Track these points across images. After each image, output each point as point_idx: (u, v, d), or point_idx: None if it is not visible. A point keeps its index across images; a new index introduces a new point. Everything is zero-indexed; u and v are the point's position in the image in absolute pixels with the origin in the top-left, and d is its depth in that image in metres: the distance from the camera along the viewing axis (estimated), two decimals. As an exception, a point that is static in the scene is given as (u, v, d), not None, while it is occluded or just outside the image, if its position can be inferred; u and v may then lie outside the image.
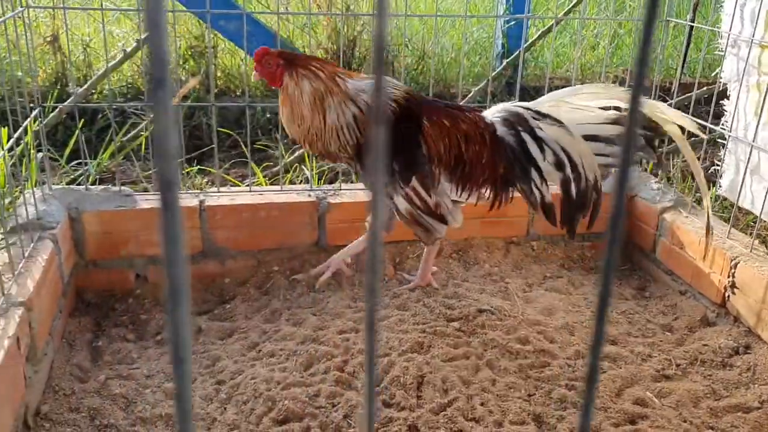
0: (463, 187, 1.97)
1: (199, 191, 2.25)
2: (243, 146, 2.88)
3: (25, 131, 2.03)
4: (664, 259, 2.29)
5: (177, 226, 0.33)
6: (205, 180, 2.65)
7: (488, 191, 2.00)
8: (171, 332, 0.35)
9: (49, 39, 3.28)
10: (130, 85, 3.37)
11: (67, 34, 2.21)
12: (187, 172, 2.56)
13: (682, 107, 2.63)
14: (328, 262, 2.17)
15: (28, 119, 2.00)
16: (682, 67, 3.29)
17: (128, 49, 2.54)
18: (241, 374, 1.76)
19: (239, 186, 2.48)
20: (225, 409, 1.65)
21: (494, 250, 2.39)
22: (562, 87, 3.61)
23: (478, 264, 2.33)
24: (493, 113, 2.00)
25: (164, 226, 0.32)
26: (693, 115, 2.27)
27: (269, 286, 2.18)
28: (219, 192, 2.25)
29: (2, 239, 1.79)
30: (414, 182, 1.95)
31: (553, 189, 1.97)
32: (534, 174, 1.94)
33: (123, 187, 2.20)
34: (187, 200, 2.17)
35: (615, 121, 1.90)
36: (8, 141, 1.83)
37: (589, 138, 1.91)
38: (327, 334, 1.92)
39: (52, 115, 2.65)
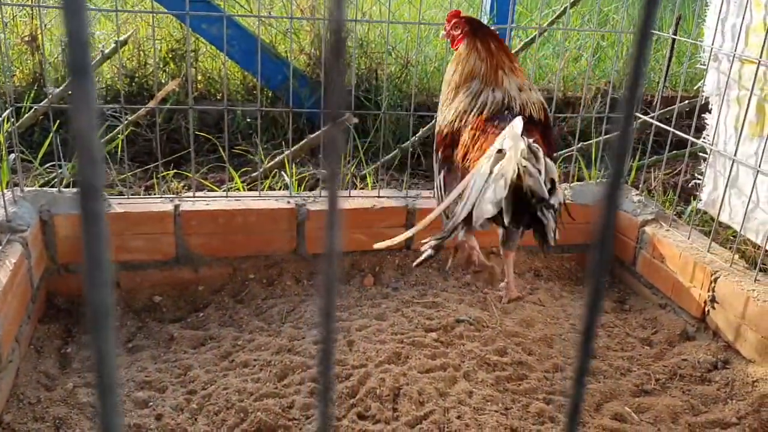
0: None
1: (174, 196, 2.21)
2: (221, 150, 2.85)
3: (-3, 131, 1.98)
4: (645, 272, 2.28)
5: (101, 240, 0.29)
6: (182, 185, 2.60)
7: None
8: (95, 359, 0.31)
9: (26, 38, 3.22)
10: (109, 87, 3.32)
11: (42, 33, 2.16)
12: (163, 176, 2.51)
13: (664, 120, 2.63)
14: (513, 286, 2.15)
15: (1, 118, 1.95)
16: (665, 80, 3.31)
17: (106, 50, 2.50)
18: (213, 384, 1.72)
19: (216, 191, 2.44)
20: (196, 419, 1.61)
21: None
22: (546, 98, 3.63)
23: (457, 274, 2.31)
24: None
25: (86, 240, 0.29)
26: (675, 128, 2.27)
27: (244, 295, 2.14)
28: (195, 197, 2.21)
29: (-32, 242, 1.74)
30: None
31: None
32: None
33: (97, 191, 2.15)
34: (162, 205, 2.13)
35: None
36: (-23, 141, 1.78)
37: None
38: (303, 344, 1.88)
39: (27, 115, 2.59)
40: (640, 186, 2.54)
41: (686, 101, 2.85)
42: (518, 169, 1.60)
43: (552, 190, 1.63)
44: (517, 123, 1.72)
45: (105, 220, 0.29)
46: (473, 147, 1.88)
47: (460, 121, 1.95)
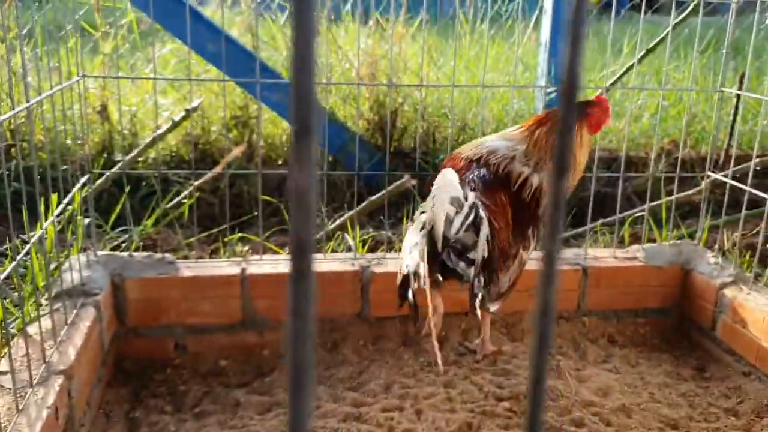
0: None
1: (241, 259, 2.22)
2: (285, 213, 2.87)
3: (73, 197, 2.04)
4: (725, 337, 2.17)
5: (309, 295, 0.28)
6: (246, 248, 2.62)
7: None
8: (290, 418, 0.29)
9: (98, 109, 3.36)
10: (173, 154, 3.42)
11: (119, 102, 2.25)
12: (228, 241, 2.54)
13: (735, 179, 2.55)
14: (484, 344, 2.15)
15: (77, 185, 2.01)
16: (730, 138, 3.23)
17: (176, 118, 2.58)
18: (281, 452, 1.68)
19: (281, 254, 2.45)
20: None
21: (542, 324, 2.30)
22: (606, 159, 3.58)
23: (527, 340, 2.24)
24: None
25: (294, 294, 0.28)
26: (751, 186, 2.19)
27: (310, 359, 2.11)
28: (261, 260, 2.22)
29: (47, 305, 1.77)
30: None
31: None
32: None
33: (166, 254, 2.18)
34: (229, 268, 2.14)
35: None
36: (58, 206, 1.83)
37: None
38: (370, 411, 1.83)
39: (98, 182, 2.68)
40: (715, 248, 2.45)
41: (758, 158, 2.77)
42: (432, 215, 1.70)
43: (474, 245, 1.72)
44: (449, 172, 1.79)
45: (314, 275, 0.28)
46: None
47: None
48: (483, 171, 1.96)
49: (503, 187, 1.95)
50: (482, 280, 1.76)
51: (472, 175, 1.94)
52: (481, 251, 1.73)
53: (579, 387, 1.98)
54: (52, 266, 1.96)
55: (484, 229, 1.74)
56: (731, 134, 2.93)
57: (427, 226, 1.71)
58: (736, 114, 2.59)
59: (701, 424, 1.87)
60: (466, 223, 1.71)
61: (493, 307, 1.91)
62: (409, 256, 1.76)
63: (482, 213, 1.76)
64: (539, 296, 0.33)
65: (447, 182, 1.74)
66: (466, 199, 1.74)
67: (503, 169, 1.97)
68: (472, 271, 1.73)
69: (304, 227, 0.28)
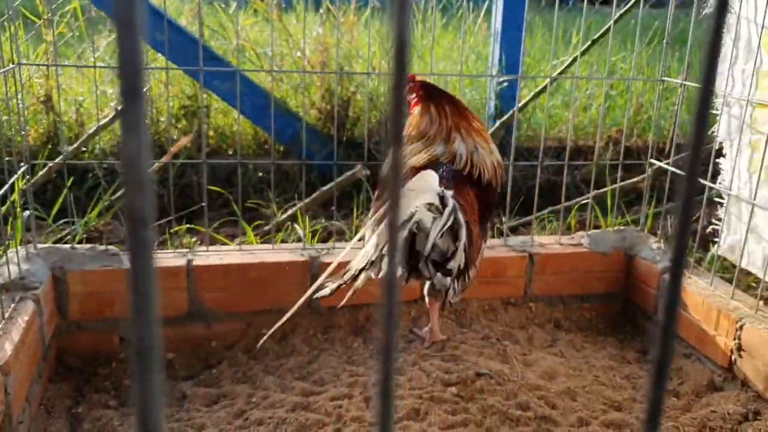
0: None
1: (187, 250, 2.19)
2: (234, 204, 2.84)
3: (12, 189, 1.98)
4: (667, 320, 2.22)
5: (150, 272, 0.27)
6: (194, 239, 2.59)
7: None
8: (138, 405, 0.29)
9: (42, 99, 3.27)
10: (119, 144, 3.34)
11: (59, 92, 2.19)
12: (176, 231, 2.50)
13: (678, 168, 2.61)
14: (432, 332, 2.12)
15: (15, 176, 1.96)
16: (674, 127, 3.31)
17: (120, 108, 2.52)
18: (228, 444, 1.66)
19: (230, 245, 2.43)
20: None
21: (491, 311, 2.33)
22: (555, 147, 3.63)
23: (475, 326, 2.26)
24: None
25: (134, 273, 0.27)
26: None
27: (258, 350, 2.10)
28: (208, 251, 2.19)
29: (-20, 300, 1.72)
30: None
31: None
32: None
33: (110, 247, 2.14)
34: (175, 259, 2.11)
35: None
36: (-8, 198, 1.78)
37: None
38: (318, 400, 1.83)
39: (41, 173, 2.61)
40: (659, 233, 2.51)
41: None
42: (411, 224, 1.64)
43: (452, 255, 1.68)
44: (429, 174, 1.77)
45: (153, 251, 0.27)
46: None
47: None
48: (448, 165, 1.94)
49: (468, 180, 1.95)
50: (456, 286, 1.73)
51: (441, 171, 1.90)
52: (458, 260, 1.68)
53: (525, 371, 2.01)
54: (-11, 260, 1.91)
55: (463, 237, 1.68)
56: (675, 123, 2.99)
57: (410, 228, 1.64)
58: (680, 103, 2.64)
59: (643, 405, 1.91)
60: (444, 230, 1.64)
61: (456, 299, 1.88)
62: (371, 254, 1.66)
63: (461, 217, 1.69)
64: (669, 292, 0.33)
65: (424, 186, 1.71)
66: (443, 200, 1.69)
67: (463, 164, 1.96)
68: (448, 280, 1.68)
69: (137, 196, 0.27)
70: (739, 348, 1.93)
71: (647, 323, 2.33)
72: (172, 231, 2.33)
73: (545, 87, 2.84)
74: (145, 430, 0.30)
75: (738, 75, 2.15)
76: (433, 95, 2.03)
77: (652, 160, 2.47)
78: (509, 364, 2.04)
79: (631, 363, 2.16)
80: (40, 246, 2.08)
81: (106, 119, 2.53)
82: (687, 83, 2.38)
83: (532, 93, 3.07)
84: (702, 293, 2.09)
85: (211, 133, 3.49)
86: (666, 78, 2.48)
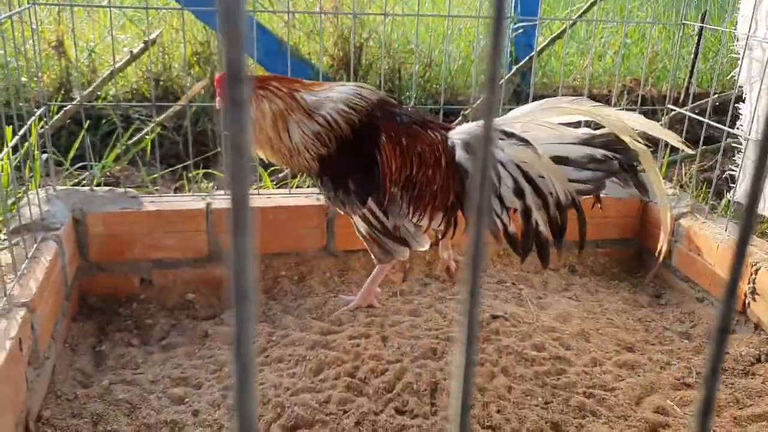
0: (414, 210, 1.83)
1: (205, 194, 2.21)
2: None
3: (29, 131, 1.99)
4: (681, 265, 2.24)
5: (248, 224, 0.29)
6: (211, 185, 2.60)
7: (441, 218, 1.85)
8: (235, 336, 0.30)
9: (54, 44, 3.24)
10: (134, 91, 3.34)
11: (74, 35, 2.17)
12: (193, 177, 2.51)
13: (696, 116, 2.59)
14: (360, 295, 2.05)
15: (33, 117, 1.96)
16: (691, 74, 3.27)
17: (135, 50, 2.51)
18: (249, 380, 1.70)
19: (246, 190, 2.44)
20: (233, 415, 1.60)
21: (506, 255, 2.34)
22: (571, 96, 3.59)
23: (491, 270, 2.28)
24: (458, 133, 1.83)
25: (235, 222, 0.28)
26: (706, 124, 2.23)
27: (276, 291, 2.13)
28: (226, 194, 2.20)
29: (5, 240, 1.75)
30: (370, 203, 1.82)
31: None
32: (494, 202, 1.75)
33: (129, 189, 2.15)
34: (194, 203, 2.12)
35: (587, 142, 1.72)
36: (13, 139, 1.79)
37: (559, 161, 1.70)
38: (337, 339, 1.86)
39: (56, 117, 2.61)
40: (674, 180, 2.50)
41: (716, 95, 2.81)
42: None
43: None
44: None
45: (250, 206, 0.28)
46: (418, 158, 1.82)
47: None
48: (399, 110, 1.88)
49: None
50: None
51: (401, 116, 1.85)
52: None
53: (540, 313, 2.03)
54: (10, 201, 1.93)
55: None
56: (692, 71, 2.96)
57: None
58: (698, 48, 2.61)
59: (656, 347, 1.94)
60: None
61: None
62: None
63: None
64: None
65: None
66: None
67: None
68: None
69: (239, 162, 0.28)
70: (753, 291, 1.95)
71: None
72: (189, 175, 2.34)
73: (563, 31, 2.80)
74: (239, 360, 0.32)
75: (762, 17, 2.11)
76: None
77: (670, 106, 2.45)
78: (524, 307, 2.07)
79: (644, 306, 2.18)
80: (59, 188, 2.10)
81: (122, 62, 2.51)
82: (705, 25, 2.34)
83: (549, 38, 3.02)
84: (716, 238, 2.09)
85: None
86: (686, 22, 2.44)
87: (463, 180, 1.79)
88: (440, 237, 1.95)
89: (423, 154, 1.81)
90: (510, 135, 1.72)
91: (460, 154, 1.80)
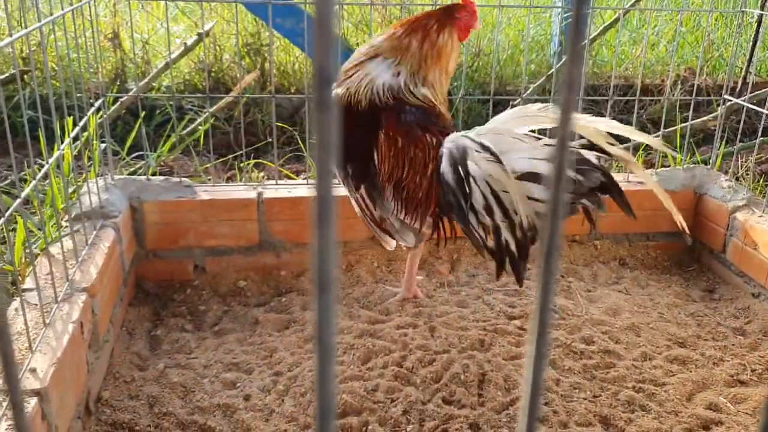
0: (402, 210, 1.81)
1: (257, 183, 2.25)
2: (300, 141, 2.88)
3: (88, 122, 2.05)
4: (736, 260, 2.19)
5: (331, 215, 0.30)
6: (261, 175, 2.65)
7: (429, 223, 1.82)
8: (317, 320, 0.32)
9: (110, 36, 3.33)
10: (187, 82, 3.41)
11: (131, 27, 2.23)
12: (244, 166, 2.56)
13: (753, 105, 2.52)
14: (404, 287, 2.07)
15: (92, 108, 2.02)
16: (749, 63, 3.17)
17: (188, 42, 2.56)
18: (298, 366, 1.74)
19: (295, 179, 2.47)
20: (282, 400, 1.63)
21: (554, 248, 2.33)
22: (621, 86, 3.53)
23: (539, 262, 2.27)
24: (448, 141, 1.74)
25: (319, 215, 0.30)
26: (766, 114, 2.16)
27: (325, 280, 2.16)
28: (277, 184, 2.24)
29: (67, 227, 1.81)
30: (362, 191, 1.84)
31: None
32: (471, 216, 1.68)
33: (183, 179, 2.21)
34: (246, 192, 2.17)
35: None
36: (73, 130, 1.85)
37: (528, 177, 1.59)
38: (384, 328, 1.88)
39: (113, 108, 2.68)
40: (729, 172, 2.44)
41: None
42: None
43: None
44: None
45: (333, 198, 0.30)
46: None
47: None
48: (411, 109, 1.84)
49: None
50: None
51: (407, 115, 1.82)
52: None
53: (589, 307, 2.02)
54: (70, 190, 2.00)
55: None
56: (750, 59, 2.87)
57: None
58: (757, 35, 2.52)
59: (708, 342, 1.91)
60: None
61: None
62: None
63: None
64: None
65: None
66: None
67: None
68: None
69: (325, 158, 0.29)
70: (812, 288, 1.90)
71: (714, 262, 2.29)
72: (241, 165, 2.38)
73: (616, 20, 2.75)
74: (321, 344, 0.33)
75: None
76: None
77: (727, 96, 2.39)
78: (573, 300, 2.05)
79: (696, 301, 2.14)
80: (116, 177, 2.16)
81: (176, 54, 2.57)
82: (766, 12, 2.27)
83: (601, 27, 2.97)
84: (775, 233, 2.04)
85: (273, 71, 3.51)
86: (746, 9, 2.37)
87: (445, 191, 1.71)
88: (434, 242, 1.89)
89: (414, 159, 1.77)
90: (485, 149, 1.63)
91: (443, 165, 1.71)
